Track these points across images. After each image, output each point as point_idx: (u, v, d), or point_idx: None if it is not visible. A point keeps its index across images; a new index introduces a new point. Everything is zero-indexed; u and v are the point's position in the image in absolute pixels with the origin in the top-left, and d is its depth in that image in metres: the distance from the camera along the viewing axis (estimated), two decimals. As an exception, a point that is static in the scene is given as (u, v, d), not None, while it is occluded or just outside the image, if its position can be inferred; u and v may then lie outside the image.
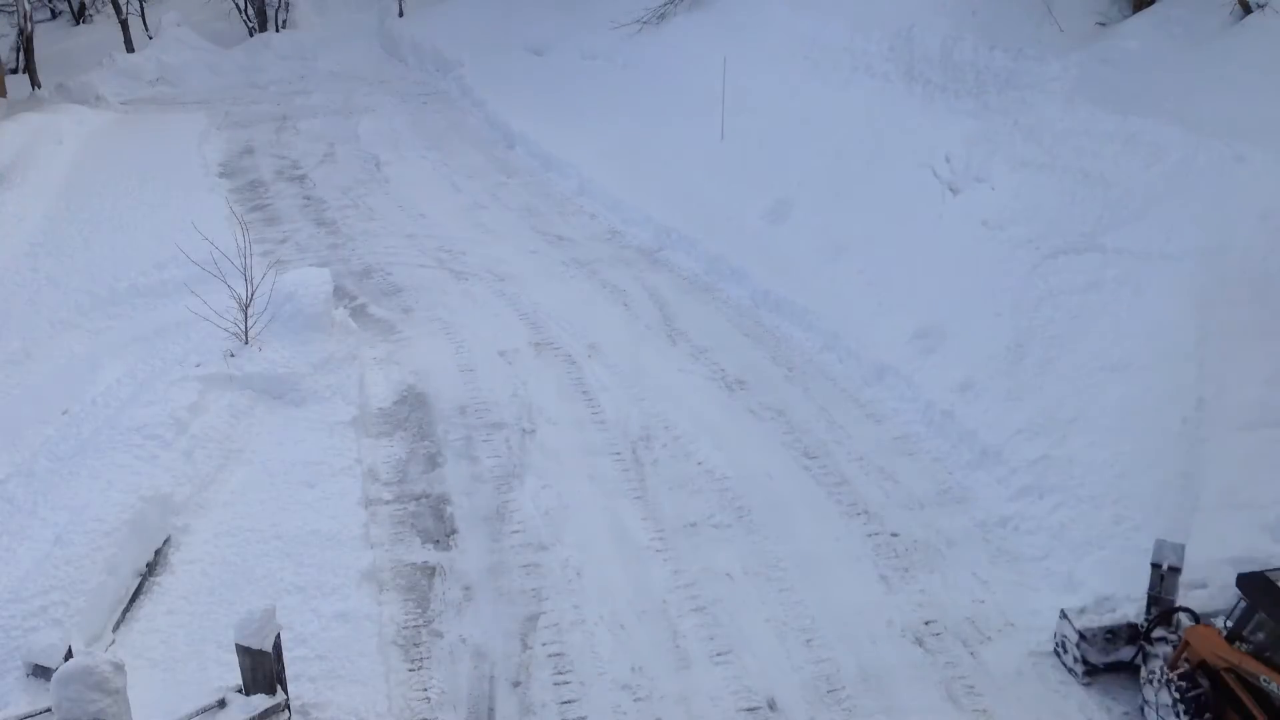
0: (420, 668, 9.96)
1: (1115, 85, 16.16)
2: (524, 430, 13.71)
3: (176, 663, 9.61)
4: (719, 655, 10.05)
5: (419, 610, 10.67)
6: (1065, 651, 9.88)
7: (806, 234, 18.21)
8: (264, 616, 8.31)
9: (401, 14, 38.02)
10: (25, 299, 17.92)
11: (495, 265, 19.00)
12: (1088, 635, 9.66)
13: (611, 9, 29.04)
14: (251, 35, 38.54)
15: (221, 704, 8.50)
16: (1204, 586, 9.89)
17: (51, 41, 38.52)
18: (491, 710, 9.53)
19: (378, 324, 16.83)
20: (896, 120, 19.19)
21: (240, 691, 8.59)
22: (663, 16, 27.75)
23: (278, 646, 8.54)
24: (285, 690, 8.68)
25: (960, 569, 11.07)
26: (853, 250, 17.09)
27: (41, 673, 8.61)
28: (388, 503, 12.36)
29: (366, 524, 11.57)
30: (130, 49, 36.63)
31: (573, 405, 14.27)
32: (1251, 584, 8.53)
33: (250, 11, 39.03)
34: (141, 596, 10.41)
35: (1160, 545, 9.64)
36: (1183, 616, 9.39)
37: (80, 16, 43.50)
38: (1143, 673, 9.34)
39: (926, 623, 10.40)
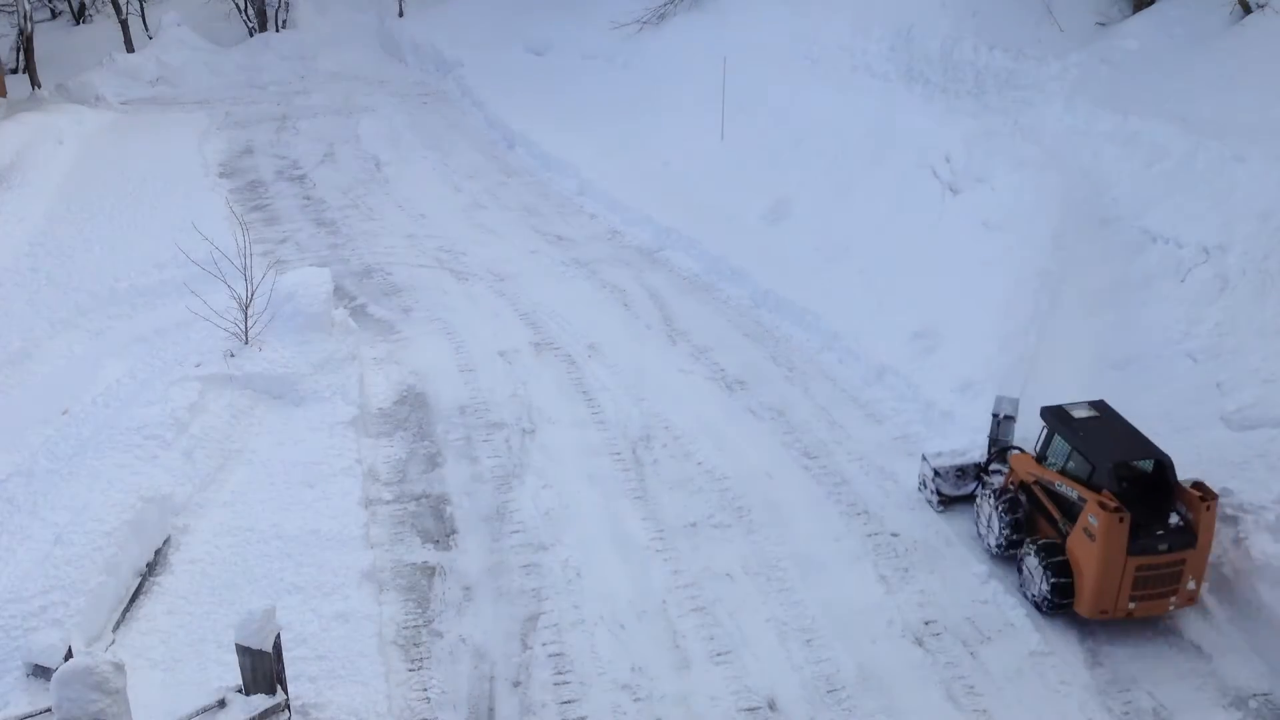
0: (420, 668, 9.95)
1: (1115, 85, 16.17)
2: (524, 430, 13.71)
3: (176, 663, 9.61)
4: (719, 655, 10.04)
5: (419, 610, 10.66)
6: (925, 487, 12.11)
7: (806, 234, 18.20)
8: (264, 616, 8.30)
9: (401, 14, 38.02)
10: (25, 299, 17.92)
11: (495, 265, 19.00)
12: (942, 473, 11.88)
13: (611, 9, 29.04)
14: (251, 35, 38.53)
15: (221, 704, 8.49)
16: None
17: (51, 41, 38.49)
18: (491, 710, 9.53)
19: (378, 324, 16.83)
20: (896, 120, 19.19)
21: (240, 691, 8.58)
22: (663, 16, 27.75)
23: (278, 646, 8.54)
24: (285, 690, 8.67)
25: (960, 569, 11.07)
26: (853, 250, 17.09)
27: (41, 673, 8.62)
28: (388, 503, 12.36)
29: (366, 524, 11.57)
30: (130, 49, 36.62)
31: (573, 405, 14.27)
32: (1051, 414, 10.99)
33: (250, 11, 39.01)
34: (141, 596, 10.40)
35: (999, 399, 11.95)
36: (1013, 453, 11.47)
37: (80, 16, 43.48)
38: (977, 496, 11.48)
39: (926, 623, 10.40)
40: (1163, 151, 14.33)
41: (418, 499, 12.44)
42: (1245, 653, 9.87)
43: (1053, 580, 10.25)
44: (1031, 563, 10.54)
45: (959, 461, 12.00)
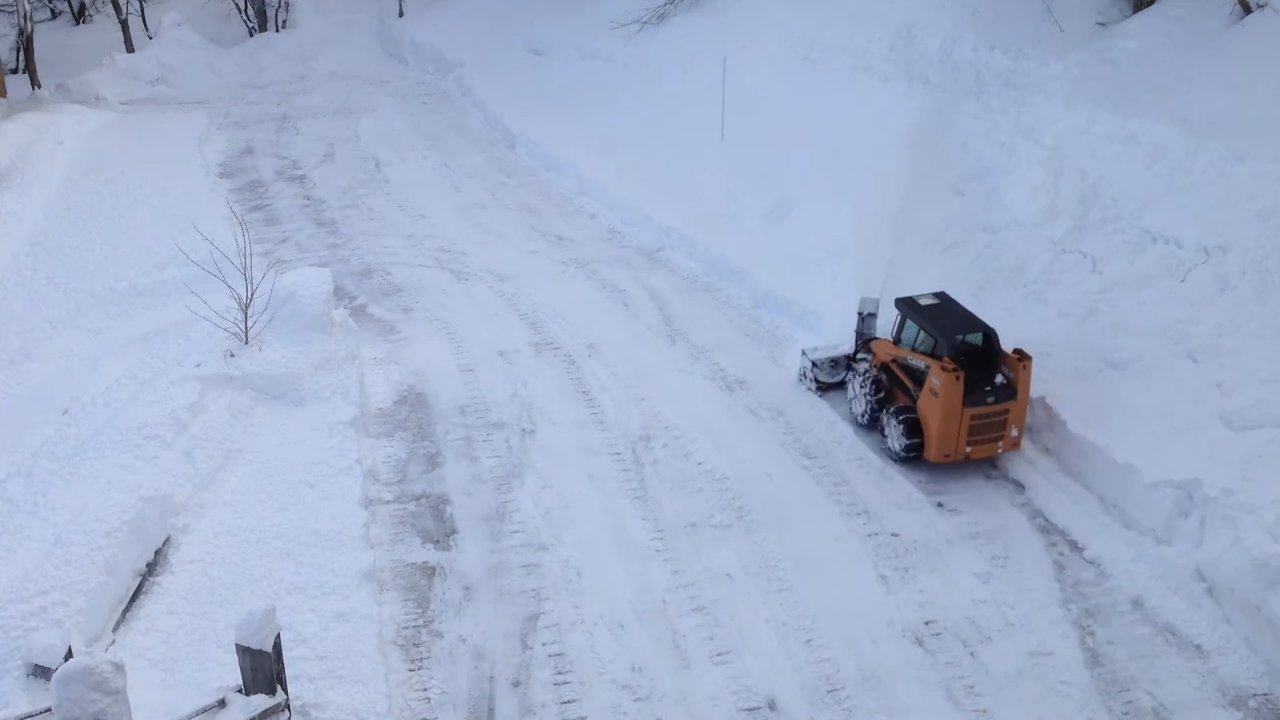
0: (420, 668, 9.95)
1: (1115, 85, 16.17)
2: (524, 430, 13.71)
3: (176, 663, 9.60)
4: (719, 655, 10.04)
5: (419, 610, 10.66)
6: (805, 377, 14.58)
7: (806, 234, 18.20)
8: (264, 616, 8.30)
9: (401, 14, 38.04)
10: (25, 299, 17.92)
11: (495, 265, 19.00)
12: (819, 364, 14.38)
13: (611, 9, 29.04)
14: (251, 35, 38.55)
15: (221, 704, 8.49)
16: None
17: (51, 41, 38.50)
18: (491, 710, 9.53)
19: (378, 324, 16.83)
20: (897, 120, 19.19)
21: (240, 691, 8.58)
22: (663, 16, 27.75)
23: (278, 646, 8.54)
24: (285, 690, 8.67)
25: (960, 569, 11.07)
26: (853, 251, 17.09)
27: (41, 673, 8.61)
28: (388, 503, 12.36)
29: (366, 524, 11.57)
30: (130, 49, 36.63)
31: (573, 405, 14.27)
32: (903, 303, 13.41)
33: (250, 11, 39.03)
34: (141, 596, 10.40)
35: (863, 300, 14.40)
36: (874, 341, 14.01)
37: (80, 16, 43.49)
38: (848, 380, 13.98)
39: (926, 623, 10.40)
40: (1163, 151, 14.33)
41: (418, 499, 12.44)
42: (1245, 653, 9.87)
43: (907, 436, 12.64)
44: (891, 424, 12.90)
45: (832, 354, 14.47)
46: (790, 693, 9.63)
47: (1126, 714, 9.38)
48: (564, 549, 11.47)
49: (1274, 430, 10.83)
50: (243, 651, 8.41)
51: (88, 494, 11.03)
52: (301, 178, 24.47)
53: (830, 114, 20.74)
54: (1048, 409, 12.80)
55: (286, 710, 8.68)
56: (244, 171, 25.15)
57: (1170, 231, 13.38)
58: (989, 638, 10.21)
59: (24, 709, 8.34)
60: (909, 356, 13.13)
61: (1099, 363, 12.82)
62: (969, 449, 12.47)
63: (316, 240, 20.59)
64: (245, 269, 14.43)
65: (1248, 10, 15.94)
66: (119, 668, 7.63)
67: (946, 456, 12.49)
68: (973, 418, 12.31)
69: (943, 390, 12.26)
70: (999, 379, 12.47)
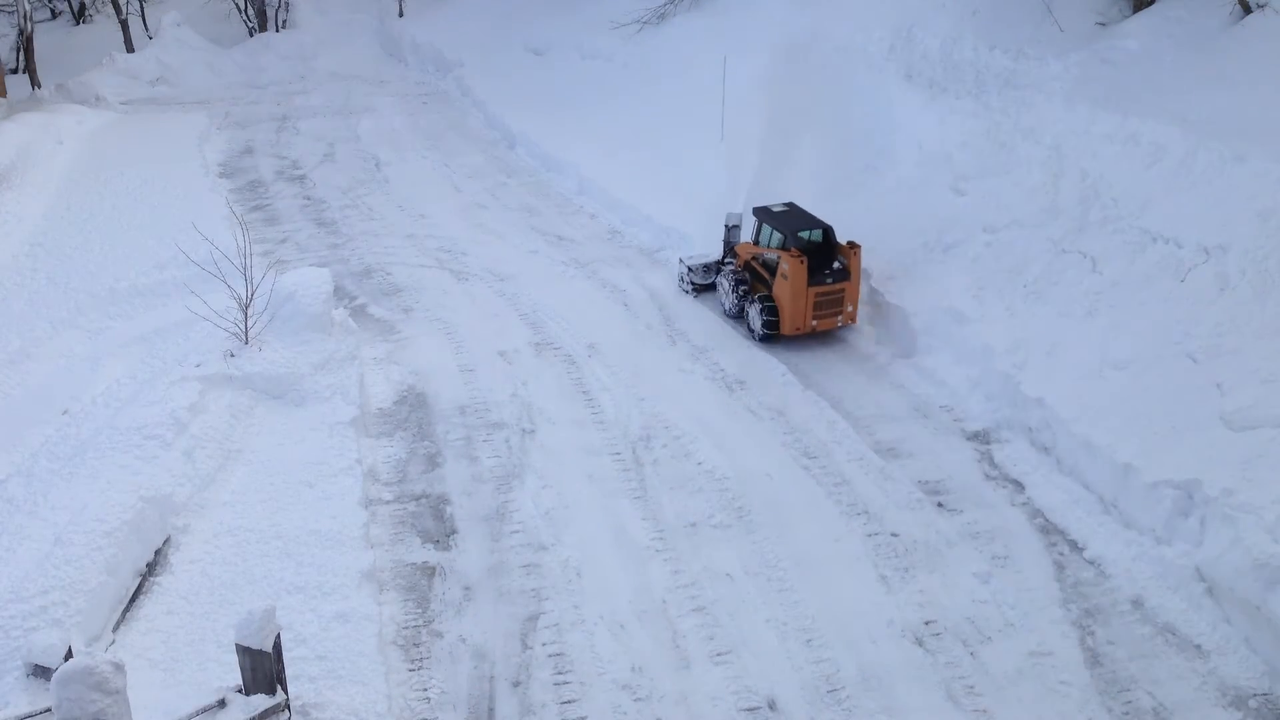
0: (420, 668, 9.95)
1: (1115, 85, 16.16)
2: (524, 430, 13.71)
3: (176, 663, 9.60)
4: (719, 655, 10.04)
5: (419, 610, 10.66)
6: (683, 281, 17.65)
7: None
8: (264, 616, 8.30)
9: (401, 14, 38.05)
10: (25, 299, 17.92)
11: (495, 265, 19.00)
12: (694, 269, 17.44)
13: (611, 9, 29.05)
14: (251, 35, 38.56)
15: (221, 704, 8.49)
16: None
17: (51, 41, 38.52)
18: (491, 710, 9.53)
19: (378, 324, 16.83)
20: (897, 120, 19.18)
21: (240, 691, 8.58)
22: (663, 16, 27.75)
23: (278, 646, 8.53)
24: (285, 690, 8.67)
25: (960, 569, 11.07)
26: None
27: (41, 673, 8.61)
28: (388, 503, 12.36)
29: (366, 524, 11.56)
30: (130, 49, 36.64)
31: (573, 405, 14.27)
32: (759, 210, 16.53)
33: (250, 11, 39.04)
34: (141, 596, 10.40)
35: (729, 214, 17.52)
36: (738, 245, 17.22)
37: (80, 16, 43.50)
38: (718, 281, 16.98)
39: (926, 623, 10.40)
40: (1163, 151, 14.32)
41: (418, 499, 12.44)
42: (1245, 653, 9.87)
43: (765, 316, 15.69)
44: (752, 310, 15.95)
45: (704, 261, 17.56)
46: (790, 693, 9.63)
47: (1126, 714, 9.38)
48: (564, 549, 11.47)
49: (1274, 430, 10.82)
50: (243, 651, 8.40)
51: (88, 494, 11.02)
52: (301, 178, 24.47)
53: (830, 114, 20.72)
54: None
55: (286, 710, 8.68)
56: (244, 171, 25.15)
57: (1170, 231, 13.38)
58: (989, 638, 10.21)
59: (24, 709, 8.33)
60: (765, 253, 16.27)
61: (1099, 364, 12.81)
62: (815, 322, 15.63)
63: (316, 240, 20.60)
64: (245, 269, 14.43)
65: (1248, 10, 15.93)
66: (119, 668, 7.62)
67: (797, 329, 15.63)
68: (816, 295, 15.46)
69: (791, 274, 15.35)
70: (836, 265, 15.68)
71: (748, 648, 10.12)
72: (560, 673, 9.88)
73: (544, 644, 10.20)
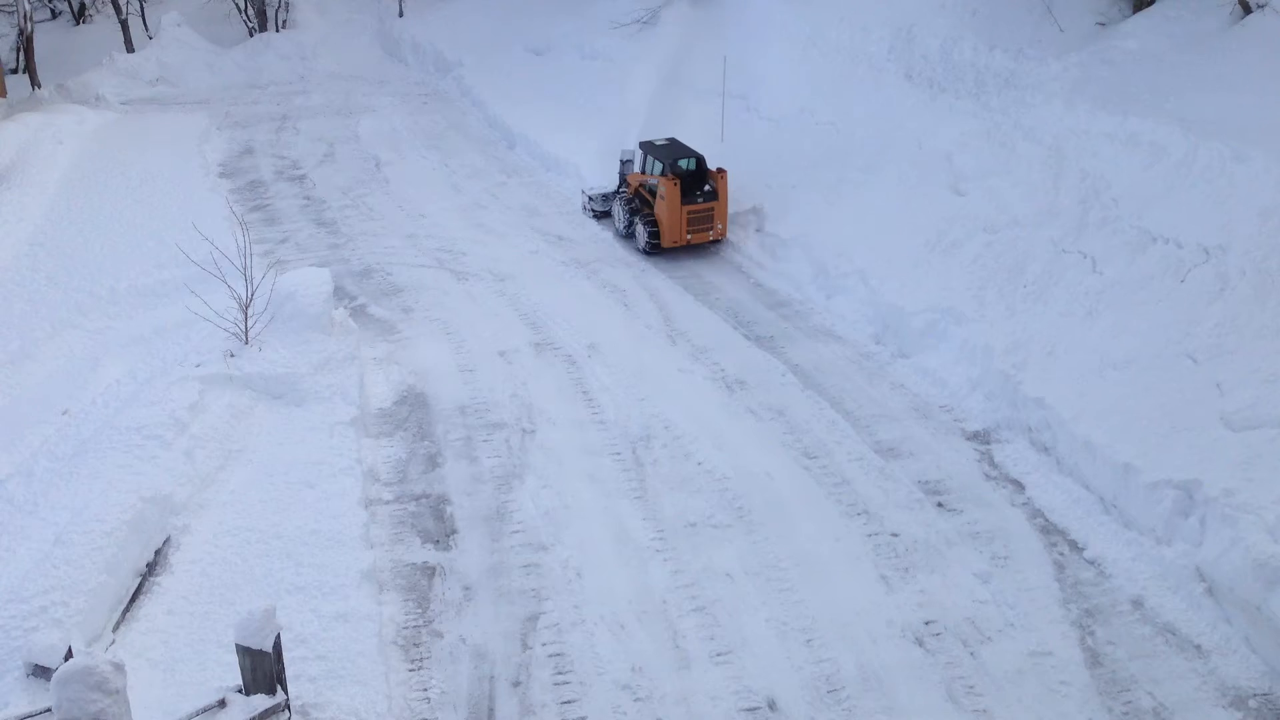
0: (420, 668, 9.95)
1: (1115, 85, 16.17)
2: (524, 430, 13.71)
3: (176, 663, 9.60)
4: (719, 655, 10.04)
5: (419, 610, 10.66)
6: (586, 208, 21.22)
7: (806, 235, 18.21)
8: (264, 616, 8.30)
9: (401, 14, 38.02)
10: (25, 299, 17.92)
11: (495, 265, 19.01)
12: (594, 198, 21.00)
13: (611, 9, 29.05)
14: (251, 35, 38.54)
15: (221, 704, 8.49)
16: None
17: (51, 41, 38.50)
18: (491, 710, 9.53)
19: (378, 324, 16.83)
20: (897, 120, 19.20)
21: (240, 691, 8.58)
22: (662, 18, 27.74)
23: (278, 646, 8.53)
24: (285, 690, 8.67)
25: (960, 569, 11.07)
26: (853, 251, 17.11)
27: (41, 673, 8.61)
28: (388, 503, 12.36)
29: (366, 524, 11.57)
30: (130, 49, 36.63)
31: (573, 405, 14.27)
32: (643, 144, 19.75)
33: (250, 11, 39.02)
34: (141, 596, 10.40)
35: (623, 151, 20.79)
36: (629, 175, 20.16)
37: (80, 16, 43.49)
38: (613, 206, 20.24)
39: (926, 623, 10.40)
40: (1163, 151, 14.33)
41: (418, 499, 12.44)
42: (1245, 653, 9.87)
43: (649, 229, 18.90)
44: (638, 227, 19.16)
45: (603, 191, 21.04)
46: (790, 693, 9.63)
47: (1126, 714, 9.38)
48: (564, 549, 11.47)
49: (1274, 430, 10.83)
50: (243, 651, 8.40)
51: (88, 494, 11.03)
52: (301, 178, 24.47)
53: (830, 115, 20.73)
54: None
55: (286, 710, 8.68)
56: (244, 171, 25.15)
57: (1170, 231, 13.38)
58: (989, 638, 10.21)
59: (24, 709, 8.33)
60: (649, 179, 19.32)
61: (1099, 364, 12.82)
62: (689, 236, 18.82)
63: (316, 240, 20.60)
64: (245, 269, 14.43)
65: (1248, 10, 15.94)
66: (119, 668, 7.62)
67: (674, 242, 18.81)
68: (689, 213, 18.62)
69: (667, 195, 18.53)
70: (707, 188, 18.83)
71: (748, 648, 10.12)
72: (560, 673, 9.88)
73: (544, 644, 10.20)
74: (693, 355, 15.53)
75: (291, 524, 11.41)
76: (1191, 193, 13.60)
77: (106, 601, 9.95)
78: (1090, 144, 15.44)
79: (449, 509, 12.24)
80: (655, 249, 18.92)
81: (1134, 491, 11.28)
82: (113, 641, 9.77)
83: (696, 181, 18.84)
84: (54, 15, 43.99)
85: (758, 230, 19.32)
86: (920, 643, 10.17)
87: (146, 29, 39.37)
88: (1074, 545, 11.37)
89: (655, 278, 18.28)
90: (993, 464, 12.79)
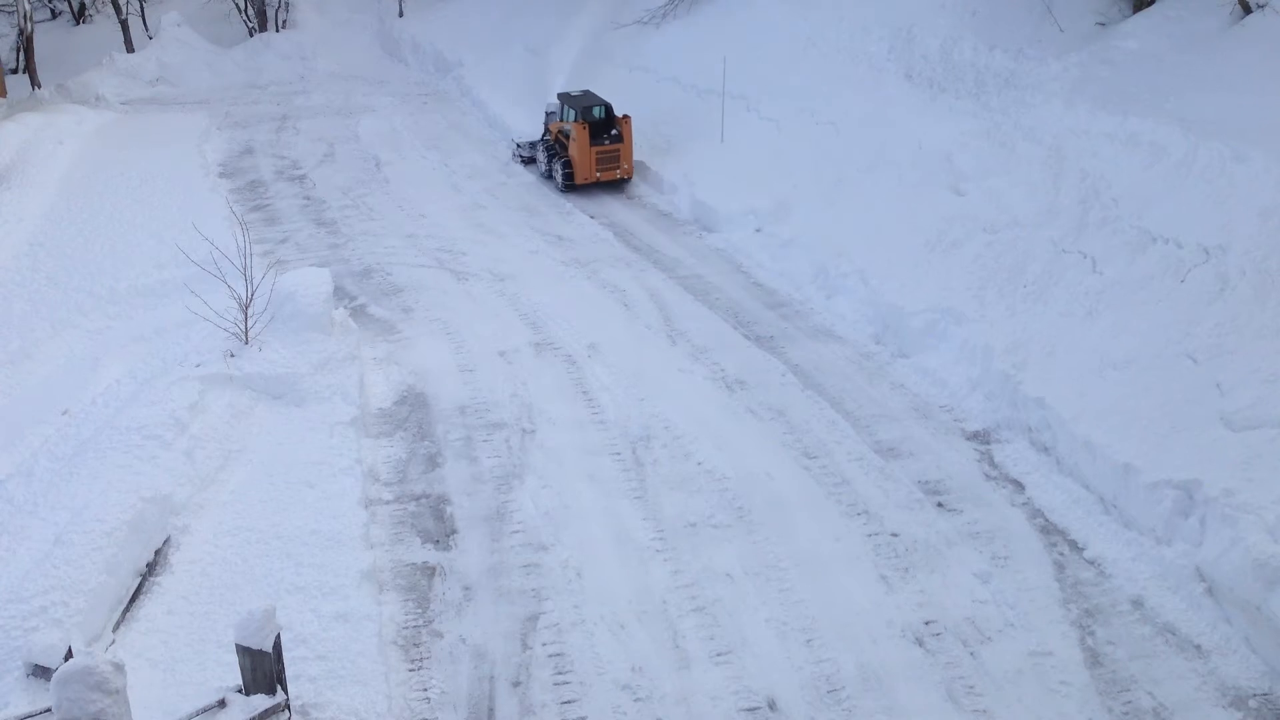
0: (420, 668, 9.95)
1: (1115, 85, 16.18)
2: (524, 430, 13.71)
3: (176, 663, 9.60)
4: (719, 655, 10.04)
5: (419, 610, 10.66)
6: (514, 156, 24.83)
7: (806, 235, 18.22)
8: (264, 616, 8.30)
9: (401, 14, 38.04)
10: (25, 299, 17.93)
11: (495, 265, 19.01)
12: (522, 145, 24.48)
13: (612, 9, 29.05)
14: (251, 35, 38.56)
15: (221, 704, 8.49)
16: None
17: (51, 41, 38.52)
18: (491, 710, 9.53)
19: (378, 324, 16.83)
20: (897, 121, 19.21)
21: (240, 691, 8.58)
22: (663, 17, 27.74)
23: (278, 646, 8.53)
24: (285, 690, 8.67)
25: (960, 569, 11.07)
26: (853, 252, 17.11)
27: (41, 673, 8.60)
28: (388, 503, 12.36)
29: (366, 524, 11.57)
30: (130, 49, 36.66)
31: (573, 405, 14.27)
32: (561, 95, 23.08)
33: (250, 11, 39.04)
34: (141, 596, 10.40)
35: (548, 103, 23.98)
36: (550, 124, 23.63)
37: (80, 16, 43.50)
38: (538, 153, 23.58)
39: (926, 623, 10.40)
40: (1163, 151, 14.33)
41: (418, 499, 12.44)
42: (1245, 653, 9.87)
43: (565, 170, 22.22)
44: (556, 167, 22.49)
45: (530, 140, 24.71)
46: (790, 693, 9.63)
47: (1126, 714, 9.38)
48: (564, 549, 11.47)
49: (1274, 430, 10.82)
50: (243, 651, 8.40)
51: (88, 494, 11.02)
52: (301, 178, 24.48)
53: (830, 115, 20.73)
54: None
55: (286, 710, 8.68)
56: (244, 171, 25.15)
57: (1170, 231, 13.38)
58: (989, 638, 10.20)
59: (24, 709, 8.33)
60: (565, 126, 22.48)
61: (1099, 364, 12.82)
62: (598, 174, 22.02)
63: (316, 240, 20.60)
64: (245, 269, 14.43)
65: (1248, 10, 15.94)
66: (119, 668, 7.62)
67: (585, 179, 22.01)
68: (597, 154, 21.87)
69: (578, 138, 21.80)
70: (613, 131, 22.04)
71: (748, 648, 10.12)
72: (560, 673, 9.88)
73: (544, 644, 10.20)
74: (693, 355, 15.53)
75: (291, 524, 11.41)
76: (1191, 193, 13.61)
77: (106, 601, 9.95)
78: (1090, 144, 15.44)
79: (449, 509, 12.24)
80: (570, 186, 22.21)
81: (1134, 491, 11.28)
82: (113, 641, 9.77)
83: (605, 126, 22.05)
84: (54, 15, 44.02)
85: (757, 230, 19.32)
86: (920, 643, 10.17)
87: (146, 29, 39.39)
88: (1074, 545, 11.37)
89: (655, 277, 18.28)
90: (993, 464, 12.79)
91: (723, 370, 15.06)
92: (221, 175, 24.67)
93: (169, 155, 25.28)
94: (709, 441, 13.28)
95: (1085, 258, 14.13)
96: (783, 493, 12.33)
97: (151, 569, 10.72)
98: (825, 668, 9.87)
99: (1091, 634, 10.21)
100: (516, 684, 9.78)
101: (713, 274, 18.30)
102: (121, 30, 37.26)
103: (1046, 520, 11.76)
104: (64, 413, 14.14)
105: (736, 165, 20.94)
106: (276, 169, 25.20)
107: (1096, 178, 14.92)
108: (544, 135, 23.86)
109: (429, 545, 11.61)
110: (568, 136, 22.23)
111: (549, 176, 23.04)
